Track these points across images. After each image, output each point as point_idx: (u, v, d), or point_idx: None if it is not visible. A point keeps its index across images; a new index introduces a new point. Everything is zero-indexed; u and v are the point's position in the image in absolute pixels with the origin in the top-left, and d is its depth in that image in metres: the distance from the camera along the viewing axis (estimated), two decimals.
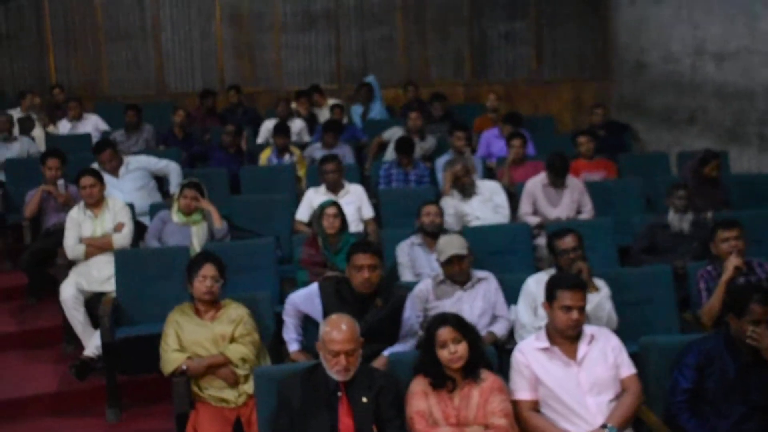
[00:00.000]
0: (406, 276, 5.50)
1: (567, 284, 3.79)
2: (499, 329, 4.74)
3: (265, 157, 8.20)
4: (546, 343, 3.82)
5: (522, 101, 11.33)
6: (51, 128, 9.27)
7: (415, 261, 5.54)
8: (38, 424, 5.19)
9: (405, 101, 10.56)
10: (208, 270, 4.50)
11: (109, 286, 5.64)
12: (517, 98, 11.36)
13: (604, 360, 3.79)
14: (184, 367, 4.32)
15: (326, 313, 4.26)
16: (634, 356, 3.96)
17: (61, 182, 6.63)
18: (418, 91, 10.58)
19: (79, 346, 5.70)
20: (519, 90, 11.44)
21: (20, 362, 5.86)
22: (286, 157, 8.10)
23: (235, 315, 4.52)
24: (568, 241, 4.73)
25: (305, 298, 4.51)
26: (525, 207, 6.66)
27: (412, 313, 4.52)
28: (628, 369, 3.82)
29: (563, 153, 6.84)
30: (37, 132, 9.09)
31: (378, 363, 4.15)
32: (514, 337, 4.62)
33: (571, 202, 6.63)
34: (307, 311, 4.52)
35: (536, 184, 6.70)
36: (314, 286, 4.50)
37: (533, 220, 6.52)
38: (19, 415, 5.24)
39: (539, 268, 5.84)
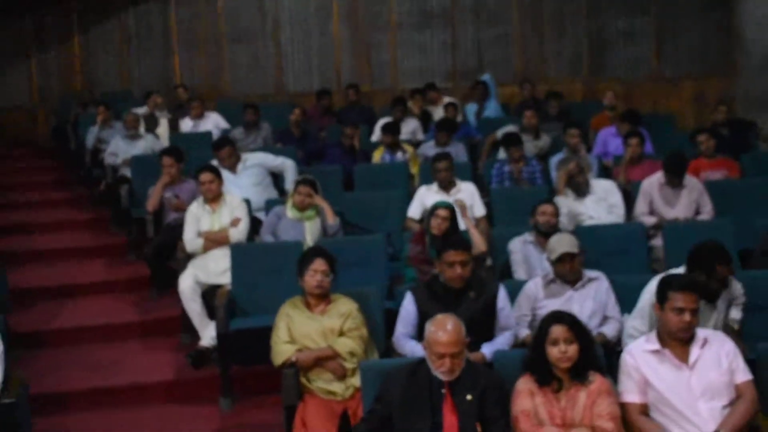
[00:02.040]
0: (519, 273, 5.47)
1: (679, 285, 3.68)
2: (610, 330, 4.64)
3: (379, 154, 8.27)
4: (657, 346, 3.72)
5: (641, 99, 11.06)
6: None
7: (528, 259, 5.50)
8: (155, 410, 5.38)
9: (520, 99, 10.47)
10: (319, 264, 4.58)
11: (225, 279, 5.79)
12: (636, 96, 11.09)
13: (718, 364, 3.67)
14: (294, 359, 4.41)
15: (421, 313, 4.31)
16: (752, 363, 3.81)
17: (168, 195, 6.85)
18: (534, 88, 10.47)
19: (196, 337, 5.88)
20: (638, 87, 11.18)
21: (140, 350, 6.09)
22: (399, 155, 8.15)
23: (344, 309, 4.58)
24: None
25: (402, 317, 4.53)
26: (641, 207, 6.50)
27: (506, 304, 4.51)
28: (743, 374, 3.68)
29: (682, 152, 6.64)
30: (162, 130, 9.45)
31: (475, 357, 4.15)
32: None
33: (690, 202, 6.44)
34: (409, 324, 4.52)
35: (653, 183, 6.53)
36: (407, 296, 4.53)
37: (649, 221, 6.36)
38: (138, 401, 5.45)
39: (655, 270, 5.70)
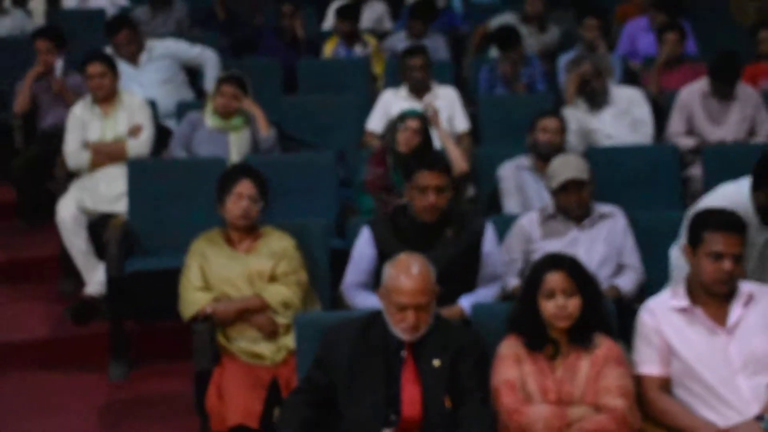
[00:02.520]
0: (510, 206, 5.54)
1: (718, 224, 3.73)
2: (626, 283, 4.71)
3: (331, 47, 8.24)
4: (686, 302, 3.78)
5: None
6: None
7: (523, 188, 5.55)
8: (25, 377, 5.41)
9: None
10: (245, 187, 4.59)
11: (120, 207, 5.81)
12: None
13: (765, 328, 3.74)
14: (209, 310, 4.43)
15: (381, 254, 4.33)
16: None
17: (59, 64, 6.79)
18: None
19: (80, 282, 5.89)
20: None
21: (5, 300, 6.10)
22: (358, 49, 8.11)
23: (277, 247, 4.61)
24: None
25: (356, 260, 4.56)
26: (676, 124, 6.57)
27: (494, 247, 4.55)
28: None
29: (735, 52, 6.68)
30: (35, 3, 9.29)
31: (450, 313, 4.20)
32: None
33: (742, 119, 6.52)
34: (365, 269, 4.55)
35: (694, 93, 6.58)
36: (363, 232, 4.56)
37: (687, 143, 6.43)
38: (4, 363, 5.47)
39: (688, 205, 5.77)
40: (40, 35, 6.97)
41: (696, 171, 6.20)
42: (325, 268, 4.95)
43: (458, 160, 5.87)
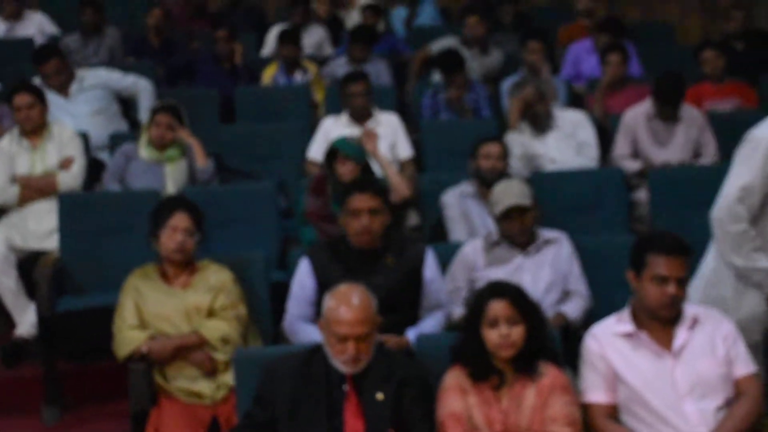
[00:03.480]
0: (456, 234, 5.58)
1: (662, 247, 3.80)
2: (572, 309, 4.78)
3: (270, 74, 8.27)
4: (630, 327, 3.84)
5: (630, 3, 11.22)
6: None
7: (468, 216, 5.60)
8: None
9: (465, 1, 10.53)
10: (180, 220, 4.60)
11: (51, 243, 5.78)
12: None
13: (712, 352, 3.81)
14: (145, 349, 4.43)
15: (321, 285, 4.36)
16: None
17: None
18: None
19: (10, 324, 5.85)
20: None
21: None
22: (298, 75, 8.15)
23: (215, 281, 4.62)
24: None
25: (296, 293, 4.59)
26: (622, 147, 6.66)
27: (435, 274, 4.59)
28: (745, 366, 3.83)
29: (679, 73, 6.79)
30: None
31: (391, 342, 4.23)
32: None
33: (687, 141, 6.61)
34: (306, 301, 4.58)
35: (639, 115, 6.68)
36: (302, 263, 4.59)
37: (632, 165, 6.52)
38: None
39: (635, 230, 5.87)
40: None
41: (642, 194, 6.29)
42: (266, 302, 4.96)
43: (399, 186, 5.90)
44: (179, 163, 6.15)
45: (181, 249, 4.58)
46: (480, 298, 3.82)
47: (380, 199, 4.50)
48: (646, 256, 3.81)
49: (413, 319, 4.54)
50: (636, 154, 6.65)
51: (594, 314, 4.75)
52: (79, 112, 7.07)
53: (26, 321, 5.70)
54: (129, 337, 4.47)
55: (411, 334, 4.40)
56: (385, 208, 4.53)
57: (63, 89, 7.11)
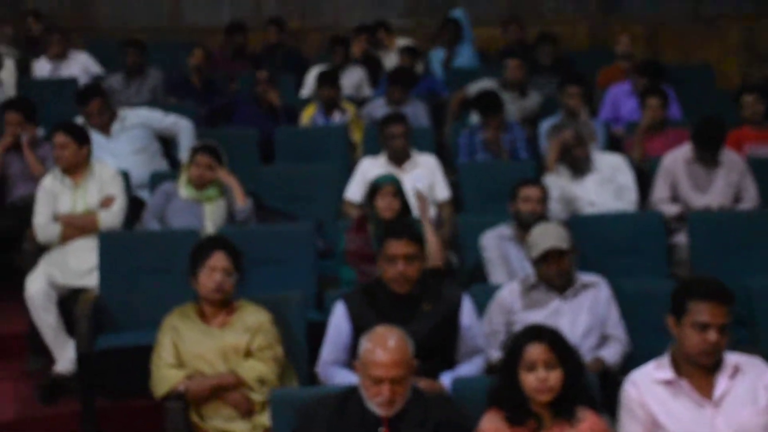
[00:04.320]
0: (496, 275, 5.56)
1: (704, 294, 3.76)
2: (611, 355, 4.73)
3: (309, 115, 8.29)
4: (670, 374, 3.80)
5: (669, 46, 11.24)
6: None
7: (507, 259, 5.57)
8: None
9: (504, 44, 10.54)
10: (219, 260, 4.61)
11: (91, 281, 5.78)
12: (663, 42, 11.27)
13: (753, 401, 3.76)
14: (182, 388, 4.43)
15: (357, 329, 4.34)
16: None
17: (37, 134, 6.82)
18: (522, 30, 10.56)
19: (49, 360, 5.84)
20: (666, 30, 11.33)
21: None
22: (337, 116, 8.17)
23: (252, 321, 4.62)
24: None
25: (331, 336, 4.58)
26: (661, 191, 6.62)
27: (473, 320, 4.57)
28: None
29: (719, 117, 6.75)
30: (6, 74, 9.33)
31: (428, 385, 4.20)
32: None
33: (727, 185, 6.56)
34: (341, 345, 4.56)
35: (678, 159, 6.64)
36: (337, 306, 4.58)
37: (671, 210, 6.48)
38: None
39: (674, 275, 5.81)
40: (9, 107, 6.99)
41: (681, 238, 6.25)
42: (302, 342, 4.95)
43: (435, 254, 5.71)
44: (218, 203, 6.16)
45: (220, 289, 4.59)
46: (517, 341, 3.79)
47: (416, 245, 4.49)
48: (688, 302, 3.76)
49: (450, 365, 4.51)
50: (675, 198, 6.61)
51: (633, 360, 4.72)
52: (121, 151, 7.11)
53: (65, 357, 5.70)
54: (167, 375, 4.48)
55: (446, 379, 4.38)
56: (421, 254, 4.52)
57: (105, 128, 7.17)
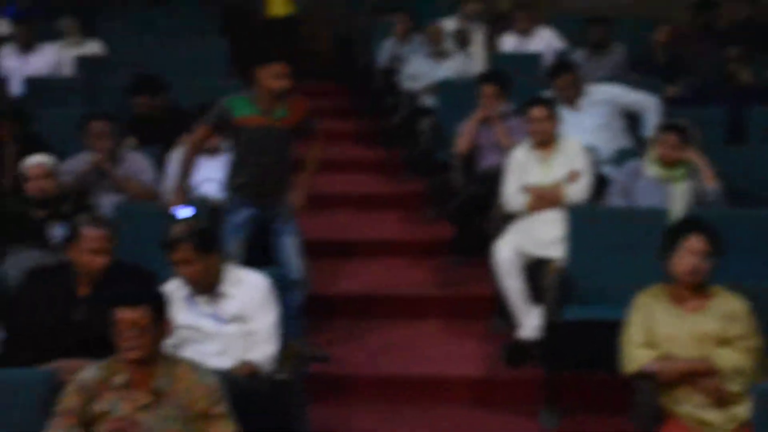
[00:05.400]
0: None
1: None
2: None
3: None
4: None
5: None
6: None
7: None
8: (457, 412, 5.59)
9: None
10: (696, 243, 4.48)
11: (556, 251, 5.86)
12: None
13: None
14: (654, 368, 4.37)
15: None
16: None
17: (506, 108, 7.00)
18: None
19: (511, 323, 6.02)
20: None
21: (441, 334, 6.36)
22: None
23: (728, 309, 4.47)
24: None
25: None
26: None
27: None
28: None
29: None
30: (475, 47, 9.65)
31: None
32: None
33: None
34: None
35: None
36: None
37: None
38: (433, 398, 5.70)
39: None
40: (486, 80, 7.22)
41: None
42: None
43: None
44: (685, 183, 6.03)
45: (695, 271, 4.46)
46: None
47: None
48: None
49: None
50: None
51: None
52: (587, 125, 7.13)
53: (529, 324, 5.84)
54: (637, 354, 4.43)
55: None
56: None
57: (572, 103, 7.22)
